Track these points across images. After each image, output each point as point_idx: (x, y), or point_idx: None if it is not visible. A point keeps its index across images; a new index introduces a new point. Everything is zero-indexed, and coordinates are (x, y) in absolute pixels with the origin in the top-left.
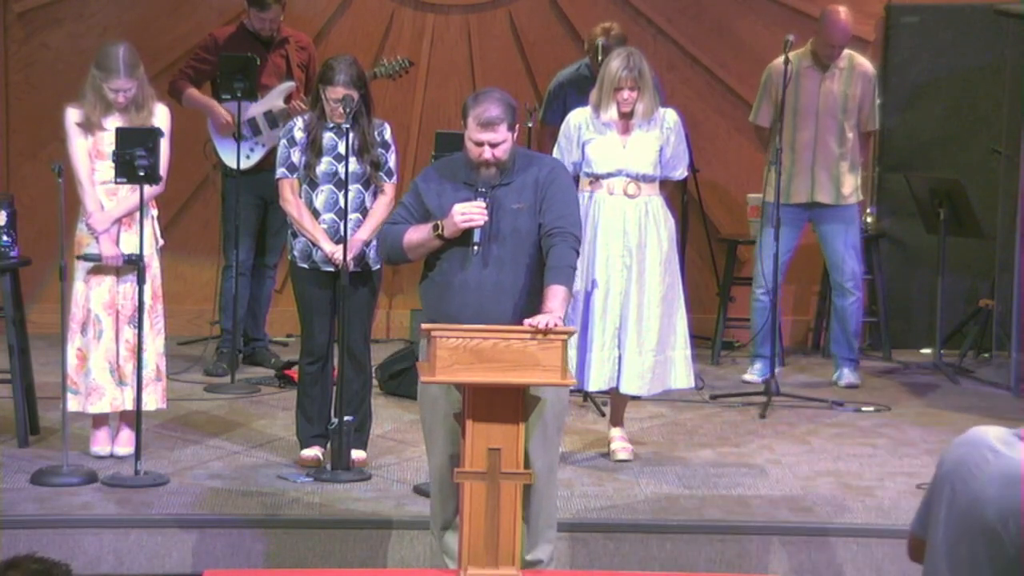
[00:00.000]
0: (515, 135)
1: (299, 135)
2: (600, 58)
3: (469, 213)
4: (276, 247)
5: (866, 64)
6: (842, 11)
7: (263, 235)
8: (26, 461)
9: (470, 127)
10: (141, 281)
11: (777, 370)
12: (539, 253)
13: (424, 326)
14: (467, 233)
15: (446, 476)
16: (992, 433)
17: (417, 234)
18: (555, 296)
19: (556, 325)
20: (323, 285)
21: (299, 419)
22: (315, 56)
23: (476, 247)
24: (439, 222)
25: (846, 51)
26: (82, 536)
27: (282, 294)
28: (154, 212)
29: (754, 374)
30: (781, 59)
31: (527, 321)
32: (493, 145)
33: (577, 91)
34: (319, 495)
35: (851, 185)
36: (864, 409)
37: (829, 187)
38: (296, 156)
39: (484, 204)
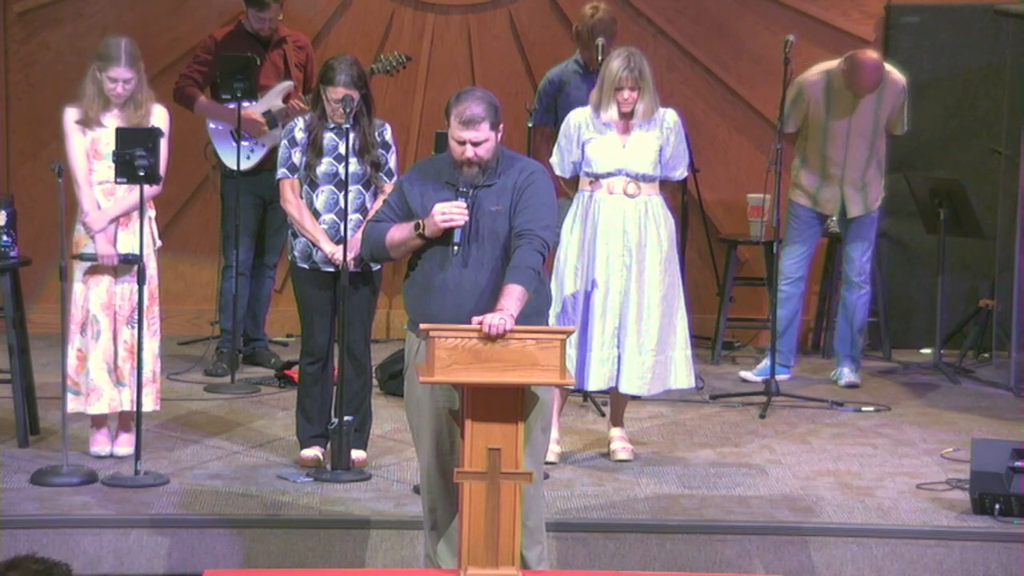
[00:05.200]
0: (499, 135)
1: (300, 135)
2: (600, 57)
3: (449, 213)
4: (276, 247)
5: (897, 78)
6: (872, 57)
7: (263, 235)
8: (26, 461)
9: (452, 126)
10: (140, 281)
11: (787, 375)
12: None
13: (423, 326)
14: (448, 233)
15: (434, 477)
16: None
17: (399, 233)
18: (510, 295)
19: (501, 326)
20: (323, 285)
21: (299, 419)
22: (313, 56)
23: (456, 247)
24: (420, 221)
25: None
26: (82, 536)
27: (282, 294)
28: (152, 213)
29: (757, 372)
30: (814, 74)
31: (474, 319)
32: (475, 144)
33: (572, 84)
34: (319, 495)
35: (877, 190)
36: (864, 409)
37: (859, 201)
38: (297, 156)
39: (465, 204)
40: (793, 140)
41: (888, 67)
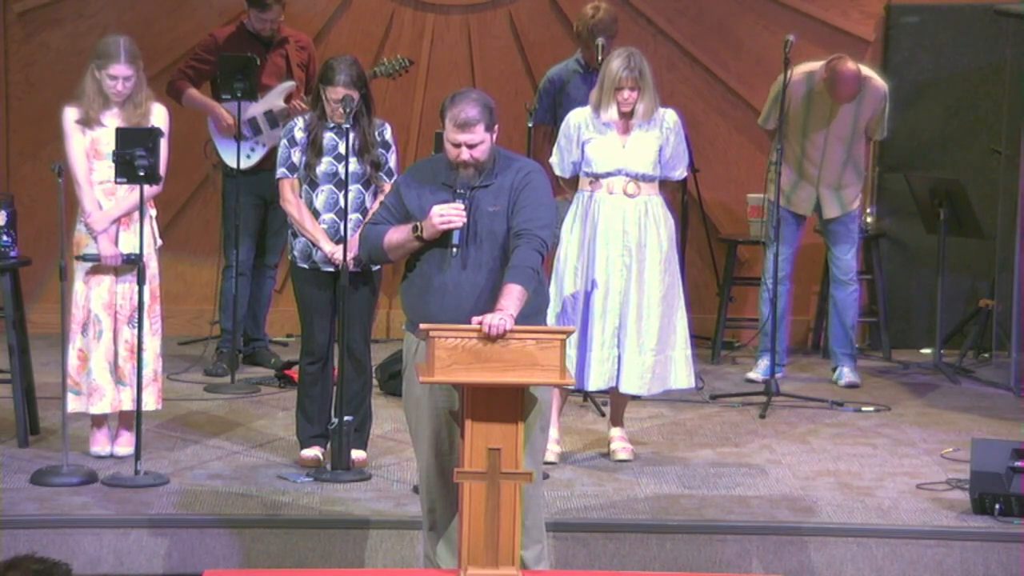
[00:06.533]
0: (494, 136)
1: (299, 135)
2: (600, 57)
3: (448, 215)
4: (276, 247)
5: (878, 84)
6: (850, 68)
7: (263, 235)
8: (26, 461)
9: (447, 128)
10: (141, 281)
11: (780, 374)
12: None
13: (423, 326)
14: (446, 234)
15: (433, 477)
16: None
17: (397, 235)
18: (509, 294)
19: (501, 327)
20: (323, 285)
21: (299, 419)
22: (315, 56)
23: (455, 249)
24: (418, 223)
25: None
26: (82, 536)
27: (282, 294)
28: (152, 212)
29: (759, 372)
30: (797, 74)
31: (474, 319)
32: (470, 146)
33: (573, 84)
34: (319, 495)
35: (854, 191)
36: (864, 409)
37: (834, 201)
38: (296, 156)
39: (463, 206)
40: (772, 137)
41: (869, 73)
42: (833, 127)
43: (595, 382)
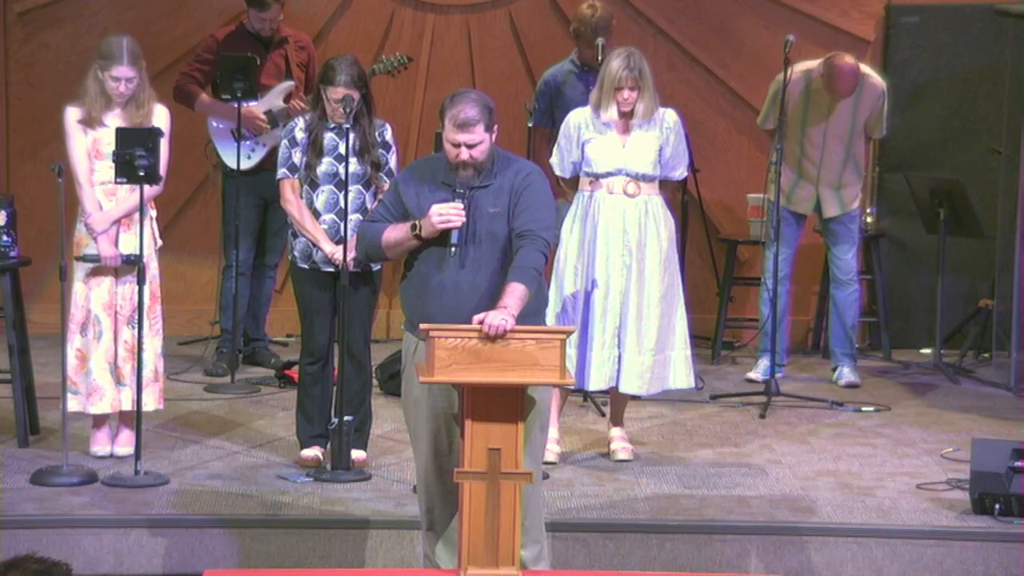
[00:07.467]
0: (493, 136)
1: (300, 135)
2: (600, 57)
3: (447, 214)
4: (276, 247)
5: (876, 82)
6: (848, 63)
7: (263, 235)
8: (26, 461)
9: (447, 128)
10: (141, 281)
11: (780, 374)
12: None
13: (423, 326)
14: (445, 234)
15: (431, 477)
16: None
17: (395, 233)
18: (511, 293)
19: (502, 326)
20: (323, 285)
21: (299, 419)
22: (315, 56)
23: (453, 248)
24: (417, 222)
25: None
26: (82, 536)
27: (282, 294)
28: (153, 213)
29: (759, 372)
30: (794, 73)
31: (475, 318)
32: (470, 146)
33: (569, 84)
34: (319, 495)
35: (854, 191)
36: (864, 409)
37: (834, 201)
38: (297, 156)
39: (462, 205)
40: (771, 136)
41: (867, 71)
42: (831, 124)
43: (596, 382)
